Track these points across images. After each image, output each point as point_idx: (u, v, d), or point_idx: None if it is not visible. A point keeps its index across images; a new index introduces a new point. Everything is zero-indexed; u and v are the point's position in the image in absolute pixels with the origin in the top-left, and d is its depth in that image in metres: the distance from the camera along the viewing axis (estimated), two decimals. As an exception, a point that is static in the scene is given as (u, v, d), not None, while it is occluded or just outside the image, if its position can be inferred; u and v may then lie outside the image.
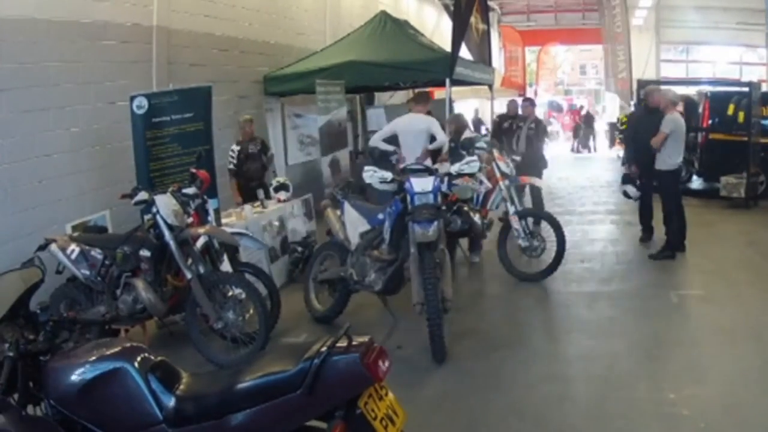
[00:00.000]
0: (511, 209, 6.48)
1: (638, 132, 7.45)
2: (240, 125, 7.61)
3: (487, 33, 11.55)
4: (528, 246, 6.41)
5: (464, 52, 9.77)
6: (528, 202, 7.93)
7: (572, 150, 22.33)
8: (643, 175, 7.36)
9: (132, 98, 5.74)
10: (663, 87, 7.94)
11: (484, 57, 11.39)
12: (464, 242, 7.16)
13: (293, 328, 5.33)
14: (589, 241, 7.94)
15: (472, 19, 10.42)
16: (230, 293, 4.68)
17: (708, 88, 12.22)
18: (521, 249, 6.45)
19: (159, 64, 7.19)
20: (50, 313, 2.66)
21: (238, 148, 7.48)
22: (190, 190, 5.13)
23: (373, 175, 4.94)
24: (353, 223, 5.31)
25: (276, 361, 2.37)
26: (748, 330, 4.84)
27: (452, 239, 6.19)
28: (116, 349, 2.44)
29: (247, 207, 6.49)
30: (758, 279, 6.10)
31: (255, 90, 9.15)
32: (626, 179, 7.79)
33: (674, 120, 6.76)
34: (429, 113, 7.53)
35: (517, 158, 7.29)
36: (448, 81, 8.68)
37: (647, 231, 7.66)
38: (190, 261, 4.66)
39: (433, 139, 7.05)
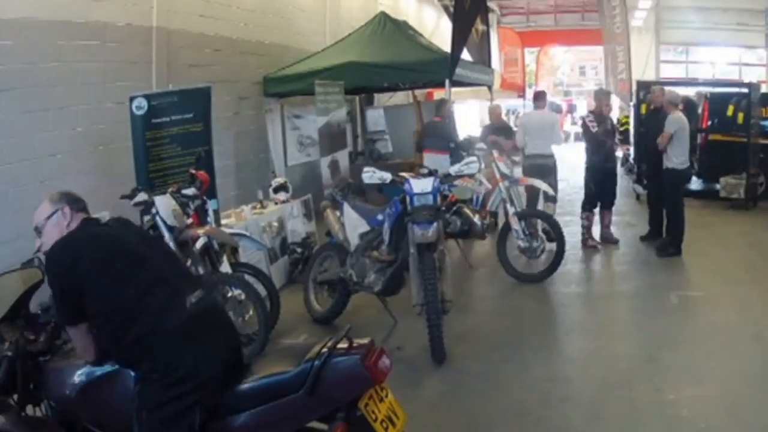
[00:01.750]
0: (511, 210, 6.49)
1: (645, 132, 7.52)
2: None
3: (487, 34, 11.55)
4: (528, 247, 6.41)
5: (464, 53, 9.77)
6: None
7: None
8: (651, 174, 7.43)
9: (131, 99, 5.73)
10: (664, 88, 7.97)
11: (483, 58, 11.39)
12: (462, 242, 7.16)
13: (293, 329, 5.33)
14: (588, 242, 7.93)
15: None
16: (230, 294, 4.68)
17: (707, 89, 12.23)
18: (521, 250, 6.45)
19: (158, 65, 7.18)
20: (51, 313, 2.65)
21: None
22: (190, 191, 5.12)
23: (372, 176, 4.94)
24: (353, 224, 5.31)
25: (277, 362, 2.37)
26: (748, 330, 4.84)
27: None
28: (116, 350, 2.44)
29: (247, 208, 6.50)
30: (758, 280, 6.10)
31: (255, 91, 9.14)
32: (636, 179, 7.93)
33: (677, 120, 6.83)
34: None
35: (517, 158, 7.31)
36: (447, 82, 8.68)
37: (654, 231, 7.67)
38: (189, 262, 4.66)
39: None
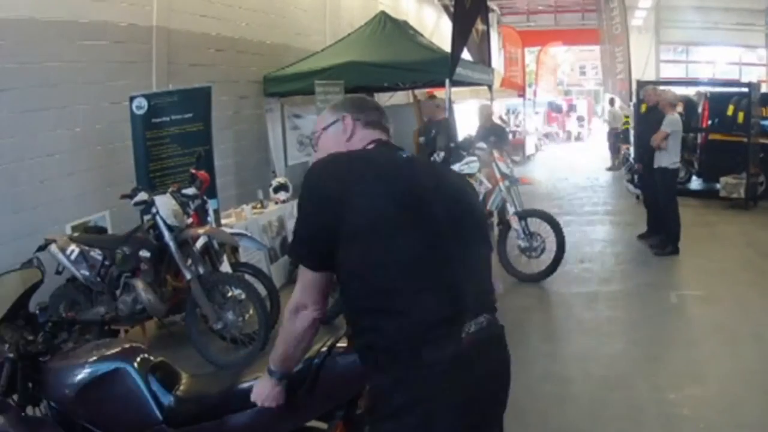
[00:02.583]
0: (511, 209, 6.49)
1: (640, 131, 7.57)
2: None
3: (487, 33, 11.54)
4: (527, 246, 6.42)
5: (464, 53, 9.76)
6: None
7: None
8: (645, 173, 7.48)
9: (132, 99, 5.74)
10: (662, 87, 8.00)
11: (483, 57, 11.38)
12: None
13: (293, 329, 5.32)
14: (588, 242, 7.95)
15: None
16: (230, 294, 4.68)
17: (707, 89, 12.23)
18: (521, 249, 6.45)
19: (159, 65, 7.18)
20: (50, 313, 2.65)
21: None
22: (190, 191, 5.13)
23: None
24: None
25: (276, 361, 2.37)
26: (748, 330, 4.84)
27: None
28: (116, 350, 2.44)
29: (247, 207, 6.50)
30: (758, 279, 6.11)
31: (255, 90, 9.14)
32: (629, 178, 7.96)
33: (675, 121, 6.92)
34: None
35: (517, 158, 7.32)
36: (448, 82, 8.68)
37: (651, 230, 7.68)
38: (189, 262, 4.66)
39: None
